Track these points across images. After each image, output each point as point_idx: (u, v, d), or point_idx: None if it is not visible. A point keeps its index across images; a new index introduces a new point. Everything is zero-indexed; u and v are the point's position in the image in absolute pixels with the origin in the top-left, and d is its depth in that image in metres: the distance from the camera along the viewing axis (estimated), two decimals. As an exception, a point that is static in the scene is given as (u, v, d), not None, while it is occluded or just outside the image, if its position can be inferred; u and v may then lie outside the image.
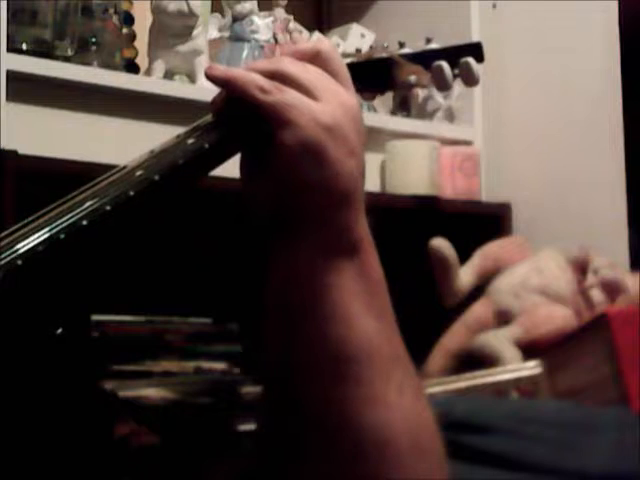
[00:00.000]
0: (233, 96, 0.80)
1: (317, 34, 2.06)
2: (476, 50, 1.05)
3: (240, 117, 0.79)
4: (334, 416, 0.77)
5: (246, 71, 0.80)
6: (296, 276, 0.78)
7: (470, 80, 1.05)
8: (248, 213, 0.81)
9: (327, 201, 0.77)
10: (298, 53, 0.82)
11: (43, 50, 1.57)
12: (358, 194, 0.79)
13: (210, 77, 0.80)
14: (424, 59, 1.04)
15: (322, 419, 0.77)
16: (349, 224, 0.78)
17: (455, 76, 1.04)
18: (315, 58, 0.81)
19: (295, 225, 0.78)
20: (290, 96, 0.77)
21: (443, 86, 1.05)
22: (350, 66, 0.89)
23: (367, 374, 0.77)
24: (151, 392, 1.63)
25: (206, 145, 0.78)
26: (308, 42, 0.83)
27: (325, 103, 0.78)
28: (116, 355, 1.65)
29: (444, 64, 1.03)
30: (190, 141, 0.78)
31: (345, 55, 1.11)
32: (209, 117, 0.82)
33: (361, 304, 0.78)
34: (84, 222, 0.70)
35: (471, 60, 1.04)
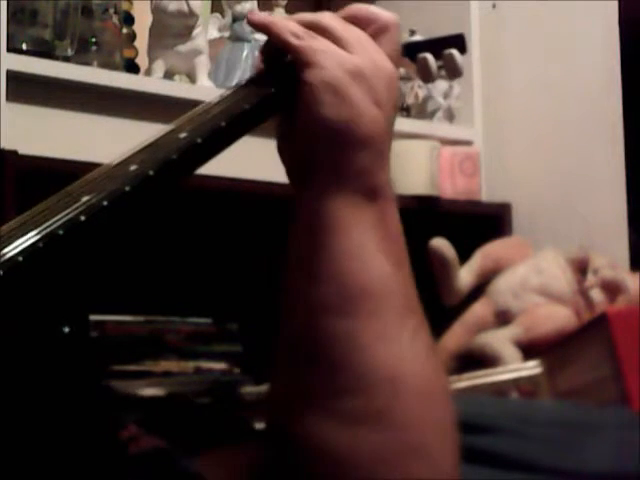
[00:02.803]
0: (269, 39, 0.84)
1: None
2: (459, 42, 1.06)
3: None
4: (348, 349, 0.77)
5: (285, 19, 0.84)
6: (313, 208, 0.80)
7: (454, 72, 1.05)
8: (283, 164, 0.85)
9: (347, 139, 0.80)
10: (358, 10, 0.85)
11: (43, 50, 1.57)
12: (382, 143, 0.83)
13: (251, 22, 0.85)
14: (409, 51, 1.04)
15: (336, 352, 0.78)
16: (370, 168, 0.81)
17: (439, 67, 1.05)
18: (371, 23, 0.84)
19: (316, 161, 0.80)
20: (320, 42, 0.81)
21: (427, 78, 1.05)
22: None
23: (381, 310, 0.78)
24: (151, 392, 1.64)
25: (199, 140, 0.78)
26: (374, 7, 0.86)
27: (357, 55, 0.81)
28: (116, 355, 1.65)
29: (428, 56, 1.04)
30: (183, 135, 0.78)
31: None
32: (201, 108, 0.81)
33: (376, 245, 0.79)
34: (82, 217, 0.70)
35: (455, 52, 1.04)
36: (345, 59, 0.80)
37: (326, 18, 0.83)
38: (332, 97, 0.79)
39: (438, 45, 1.05)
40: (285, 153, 0.85)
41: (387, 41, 0.84)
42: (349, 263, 0.79)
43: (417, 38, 1.09)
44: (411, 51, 1.04)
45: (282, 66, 0.83)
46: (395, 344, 0.78)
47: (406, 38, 1.09)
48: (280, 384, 0.82)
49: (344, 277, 0.78)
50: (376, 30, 0.84)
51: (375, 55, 0.82)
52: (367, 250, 0.79)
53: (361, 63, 0.80)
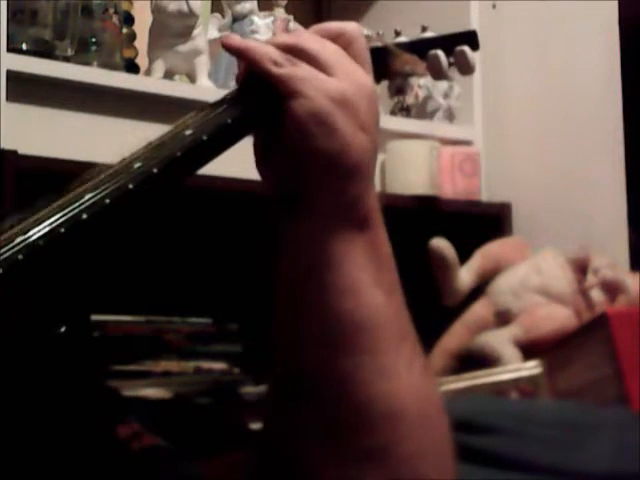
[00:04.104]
0: (248, 67, 0.81)
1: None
2: (471, 38, 1.04)
3: (255, 95, 0.80)
4: (345, 387, 0.77)
5: (263, 44, 0.81)
6: (305, 245, 0.79)
7: (465, 68, 1.04)
8: (265, 191, 0.82)
9: (336, 171, 0.78)
10: (322, 31, 0.83)
11: (43, 50, 1.57)
12: (369, 170, 0.80)
13: (226, 46, 0.81)
14: (419, 48, 1.03)
15: (332, 391, 0.77)
16: (359, 197, 0.79)
17: (450, 64, 1.04)
18: (339, 38, 0.82)
19: (305, 195, 0.79)
20: (301, 69, 0.78)
21: (439, 75, 1.04)
22: None
23: (376, 345, 0.78)
24: (151, 392, 1.63)
25: (204, 137, 0.78)
26: (334, 22, 0.84)
27: (338, 79, 0.79)
28: (116, 355, 1.65)
29: (440, 53, 1.03)
30: (188, 132, 0.78)
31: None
32: (206, 108, 0.81)
33: (369, 277, 0.78)
34: (84, 216, 0.70)
35: (466, 48, 1.03)
36: (329, 86, 0.78)
37: (304, 39, 0.81)
38: (319, 129, 0.77)
39: (449, 42, 1.04)
40: (268, 175, 0.82)
41: (356, 52, 0.82)
42: (343, 300, 0.78)
43: (428, 34, 1.07)
44: (421, 48, 1.03)
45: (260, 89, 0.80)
46: (392, 377, 0.78)
47: (417, 34, 1.08)
48: (278, 421, 0.81)
49: (338, 315, 0.77)
50: (344, 43, 0.82)
51: (355, 74, 0.80)
52: (361, 284, 0.78)
53: (344, 87, 0.78)
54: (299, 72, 0.78)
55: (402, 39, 1.06)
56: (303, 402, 0.79)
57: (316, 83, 0.78)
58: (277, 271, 0.81)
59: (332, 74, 0.79)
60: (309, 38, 0.81)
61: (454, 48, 1.03)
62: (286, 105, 0.77)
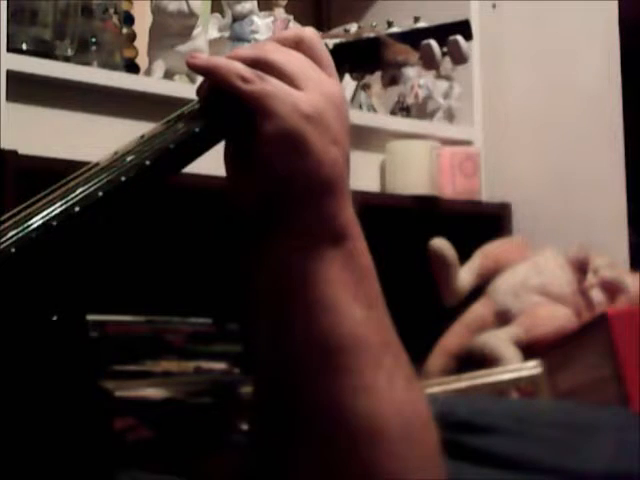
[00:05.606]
0: (216, 85, 0.79)
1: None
2: (465, 28, 1.05)
3: (223, 106, 0.79)
4: (324, 407, 0.76)
5: (228, 59, 0.79)
6: (280, 266, 0.78)
7: (459, 58, 1.04)
8: (233, 206, 0.81)
9: (310, 190, 0.77)
10: (282, 40, 0.81)
11: (43, 50, 1.57)
12: (343, 182, 0.78)
13: (192, 66, 0.79)
14: (413, 38, 1.03)
15: (312, 411, 0.77)
16: (334, 212, 0.78)
17: (444, 54, 1.04)
18: (298, 46, 0.81)
19: (279, 214, 0.78)
20: (272, 85, 0.77)
21: (431, 65, 1.04)
22: (338, 46, 0.88)
23: (355, 363, 0.77)
24: (151, 392, 1.63)
25: (196, 129, 0.77)
26: (290, 30, 0.82)
27: (307, 92, 0.77)
28: (116, 355, 1.65)
29: (432, 42, 1.03)
30: (180, 126, 0.77)
31: (333, 35, 1.11)
32: (196, 103, 0.81)
33: (347, 293, 0.77)
34: (76, 209, 0.70)
35: (460, 38, 1.03)
36: (299, 101, 0.76)
37: (269, 51, 0.79)
38: (291, 149, 0.76)
39: (442, 31, 1.04)
40: (238, 192, 0.80)
41: (318, 56, 0.81)
42: (321, 320, 0.77)
43: (421, 24, 1.07)
44: (414, 38, 1.03)
45: (229, 103, 0.78)
46: (372, 394, 0.77)
47: (410, 24, 1.08)
48: (263, 436, 0.81)
49: (316, 335, 0.77)
50: (304, 50, 0.81)
51: (322, 83, 0.79)
52: (338, 302, 0.77)
53: (314, 101, 0.77)
54: (269, 88, 0.76)
55: (395, 29, 1.06)
56: (283, 419, 0.78)
57: (287, 100, 0.76)
58: (253, 293, 0.80)
59: (300, 86, 0.77)
60: (274, 49, 0.80)
61: (447, 38, 1.03)
62: (257, 124, 0.76)
